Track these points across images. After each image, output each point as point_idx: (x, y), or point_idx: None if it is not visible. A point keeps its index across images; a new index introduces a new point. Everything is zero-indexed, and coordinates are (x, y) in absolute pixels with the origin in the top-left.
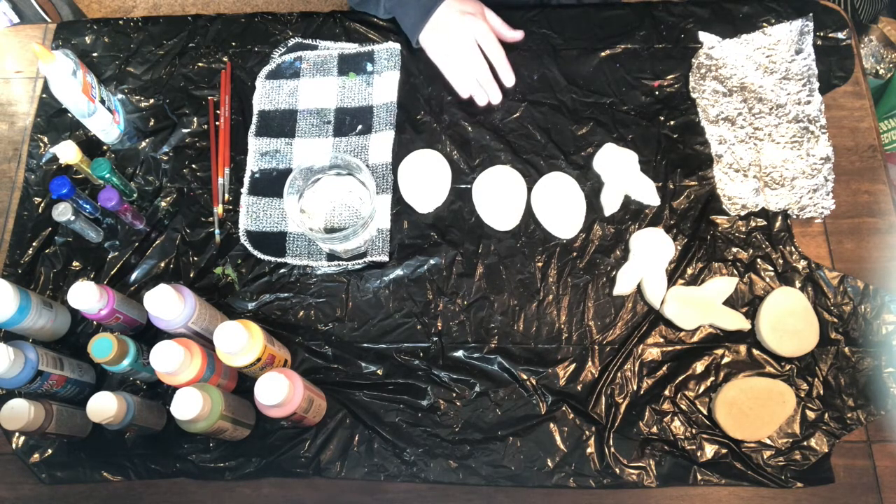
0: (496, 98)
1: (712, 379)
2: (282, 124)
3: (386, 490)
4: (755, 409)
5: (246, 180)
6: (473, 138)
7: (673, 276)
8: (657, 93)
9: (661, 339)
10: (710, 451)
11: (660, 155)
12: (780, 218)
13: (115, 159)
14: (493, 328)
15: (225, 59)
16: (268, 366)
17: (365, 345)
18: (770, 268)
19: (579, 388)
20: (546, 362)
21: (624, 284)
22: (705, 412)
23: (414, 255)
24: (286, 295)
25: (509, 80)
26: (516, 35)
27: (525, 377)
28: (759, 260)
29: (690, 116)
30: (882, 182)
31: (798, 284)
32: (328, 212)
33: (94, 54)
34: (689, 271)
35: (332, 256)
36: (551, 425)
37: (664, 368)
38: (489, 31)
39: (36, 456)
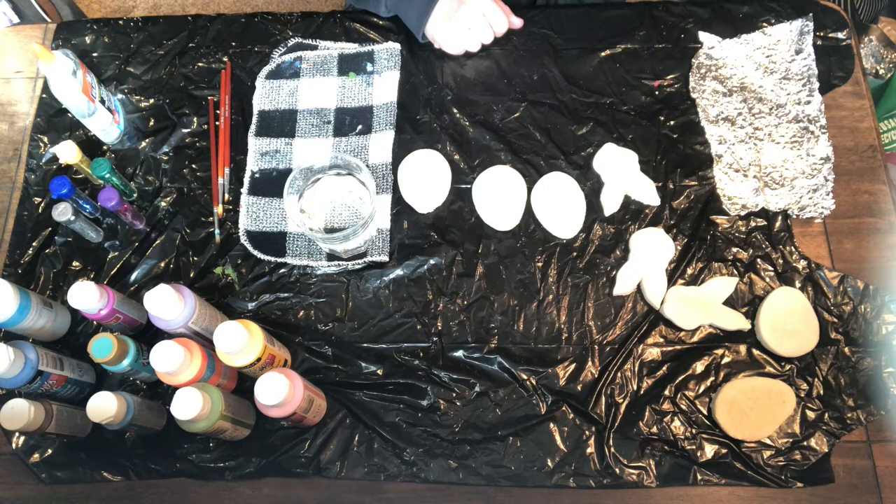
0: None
1: (712, 379)
2: (282, 124)
3: (386, 490)
4: (755, 409)
5: (246, 180)
6: (473, 138)
7: (673, 276)
8: (657, 93)
9: (661, 339)
10: (710, 451)
11: (660, 155)
12: (780, 218)
13: (115, 159)
14: (493, 328)
15: (225, 59)
16: (268, 366)
17: (365, 345)
18: (770, 268)
19: (579, 388)
20: (546, 362)
21: (624, 284)
22: (705, 412)
23: (414, 255)
24: (286, 295)
25: (518, 23)
26: (517, 21)
27: (525, 377)
28: (759, 260)
29: (690, 116)
30: (882, 182)
31: (798, 284)
32: (328, 212)
33: (94, 54)
34: (689, 271)
35: (332, 256)
36: (551, 425)
37: (664, 368)
38: (494, 6)
39: (36, 456)
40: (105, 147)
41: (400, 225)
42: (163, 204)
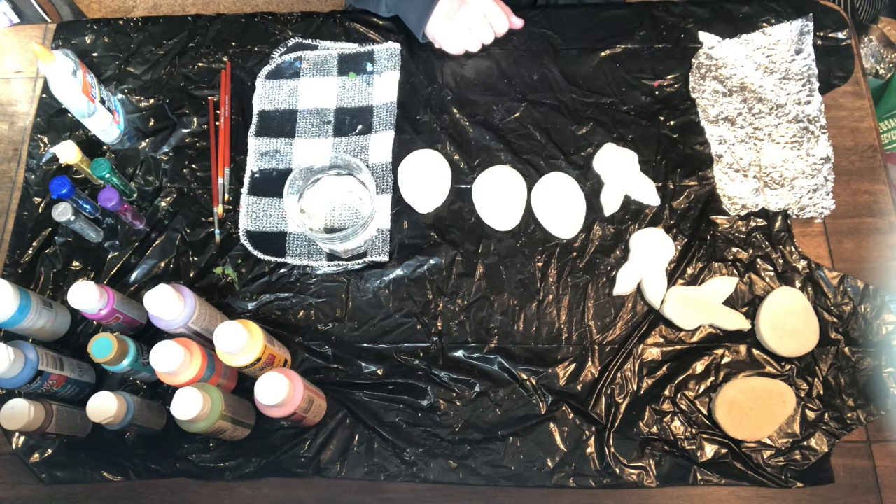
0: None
1: (712, 379)
2: (282, 124)
3: (386, 490)
4: (755, 409)
5: (246, 180)
6: (473, 138)
7: (673, 276)
8: (657, 93)
9: (661, 339)
10: (710, 451)
11: (660, 155)
12: (780, 218)
13: (115, 159)
14: (493, 328)
15: (225, 59)
16: (268, 366)
17: (365, 345)
18: (770, 268)
19: (579, 388)
20: (546, 362)
21: (624, 284)
22: (705, 412)
23: (414, 255)
24: (286, 295)
25: (518, 23)
26: (518, 21)
27: (525, 377)
28: (759, 260)
29: (690, 116)
30: (882, 182)
31: (798, 284)
32: (328, 212)
33: (94, 54)
34: (689, 271)
35: (332, 256)
36: (551, 425)
37: (664, 368)
38: (495, 6)
39: (36, 456)
40: (105, 147)
41: (400, 225)
42: (163, 204)
